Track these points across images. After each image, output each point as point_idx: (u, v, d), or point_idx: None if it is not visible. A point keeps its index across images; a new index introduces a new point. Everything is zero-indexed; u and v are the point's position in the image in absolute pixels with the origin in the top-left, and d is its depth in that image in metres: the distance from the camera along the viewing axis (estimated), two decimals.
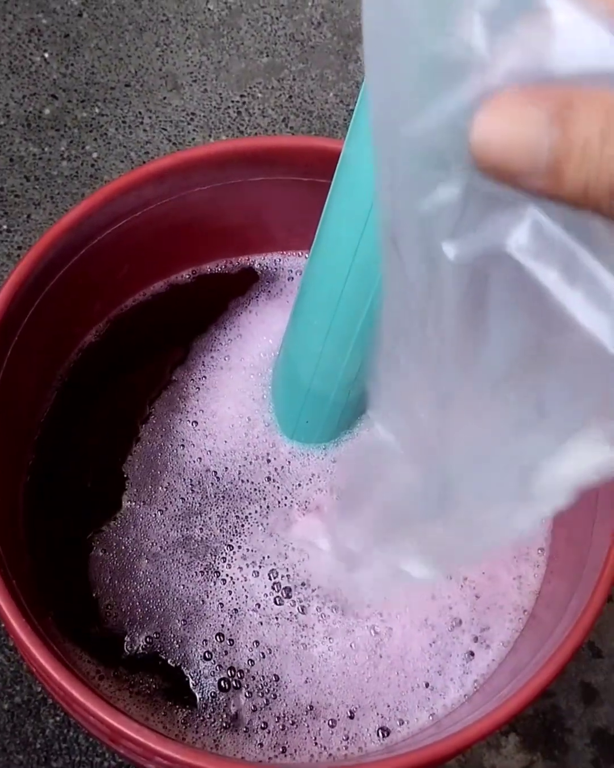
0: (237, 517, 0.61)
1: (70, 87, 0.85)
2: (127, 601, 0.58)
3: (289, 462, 0.63)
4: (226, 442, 0.63)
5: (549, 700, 0.72)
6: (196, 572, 0.59)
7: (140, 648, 0.57)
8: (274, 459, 0.63)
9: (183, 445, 0.63)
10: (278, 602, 0.59)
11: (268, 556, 0.60)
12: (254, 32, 0.89)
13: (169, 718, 0.55)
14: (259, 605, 0.58)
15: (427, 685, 0.58)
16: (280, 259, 0.68)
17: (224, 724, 0.55)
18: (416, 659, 0.58)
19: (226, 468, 0.62)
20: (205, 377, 0.65)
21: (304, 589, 0.59)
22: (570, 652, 0.49)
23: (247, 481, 0.62)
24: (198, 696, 0.56)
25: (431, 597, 0.60)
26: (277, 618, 0.58)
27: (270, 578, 0.59)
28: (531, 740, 0.71)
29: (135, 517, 0.60)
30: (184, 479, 0.62)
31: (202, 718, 0.56)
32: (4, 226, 0.80)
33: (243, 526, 0.61)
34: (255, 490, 0.62)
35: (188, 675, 0.57)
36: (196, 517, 0.61)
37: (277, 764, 0.54)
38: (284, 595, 0.59)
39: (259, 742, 0.55)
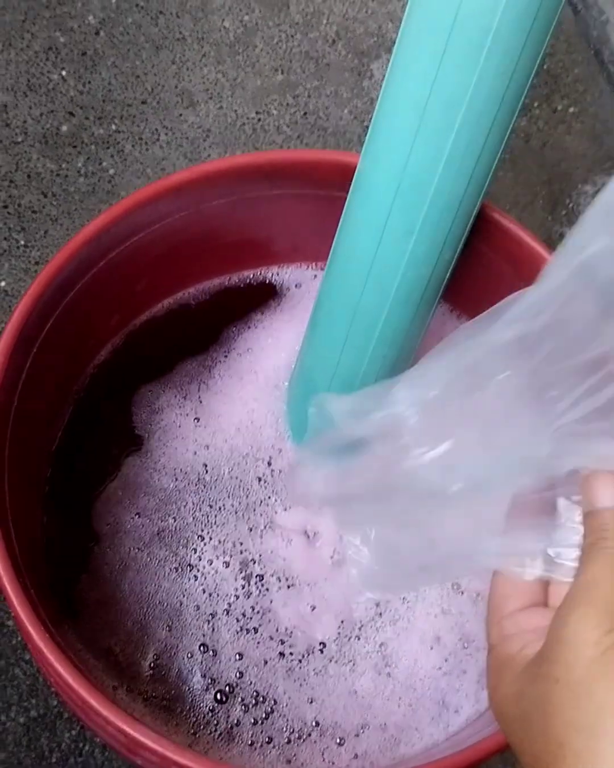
0: (210, 507, 0.62)
1: (87, 104, 0.86)
2: (121, 613, 0.59)
3: (293, 467, 0.63)
4: (226, 441, 0.64)
5: None
6: (170, 569, 0.60)
7: (146, 661, 0.57)
8: (276, 462, 0.63)
9: (180, 439, 0.63)
10: (247, 596, 0.59)
11: (241, 542, 0.61)
12: (269, 50, 0.90)
13: (182, 728, 0.55)
14: (229, 606, 0.59)
15: (441, 702, 0.58)
16: (295, 273, 0.69)
17: (229, 736, 0.55)
18: (428, 677, 0.58)
19: (218, 463, 0.63)
20: (216, 386, 0.65)
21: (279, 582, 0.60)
22: None
23: (235, 477, 0.63)
24: (199, 707, 0.56)
25: (441, 612, 0.60)
26: (253, 624, 0.58)
27: (241, 570, 0.60)
28: None
29: (115, 531, 0.61)
30: (169, 469, 0.63)
31: (208, 729, 0.56)
32: (22, 242, 0.81)
33: (216, 516, 0.61)
34: (239, 486, 0.62)
35: (186, 688, 0.57)
36: (172, 506, 0.62)
37: None
38: (257, 587, 0.59)
39: (265, 754, 0.55)
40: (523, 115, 0.90)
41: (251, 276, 0.69)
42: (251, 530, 0.61)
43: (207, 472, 0.63)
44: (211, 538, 0.61)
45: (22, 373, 0.55)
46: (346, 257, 0.55)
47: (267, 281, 0.69)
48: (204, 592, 0.59)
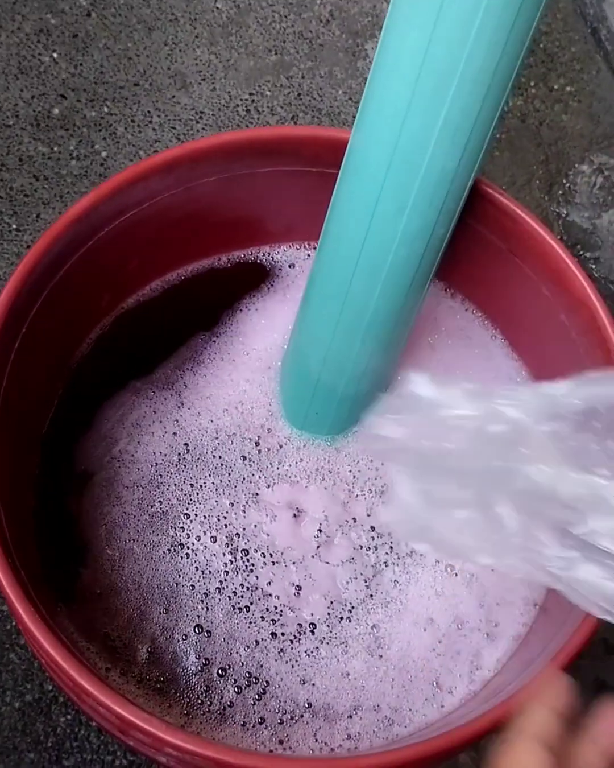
0: (191, 485, 0.61)
1: (78, 86, 0.85)
2: (120, 597, 0.58)
3: (281, 446, 0.63)
4: (211, 421, 0.63)
5: None
6: (164, 551, 0.59)
7: (143, 645, 0.57)
8: (264, 442, 0.63)
9: (158, 423, 0.63)
10: (236, 572, 0.59)
11: (224, 517, 0.60)
12: (263, 30, 0.89)
13: (175, 709, 0.55)
14: (221, 583, 0.58)
15: (434, 683, 0.57)
16: (288, 252, 0.68)
17: (222, 717, 0.55)
18: (421, 659, 0.58)
19: (202, 442, 0.63)
20: (204, 368, 0.65)
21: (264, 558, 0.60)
22: (580, 644, 0.48)
23: (218, 456, 0.62)
24: (193, 689, 0.56)
25: (434, 594, 0.59)
26: (245, 602, 0.58)
27: (227, 544, 0.60)
28: None
29: (107, 519, 0.60)
30: (153, 452, 0.62)
31: (201, 710, 0.55)
32: (14, 226, 0.80)
33: (198, 494, 0.61)
34: (221, 464, 0.62)
35: (179, 669, 0.56)
36: (156, 490, 0.61)
37: (283, 755, 0.54)
38: (245, 565, 0.59)
39: (257, 734, 0.55)
40: (520, 94, 0.89)
41: (243, 255, 0.68)
42: (232, 505, 0.61)
43: (188, 451, 0.62)
44: (196, 515, 0.61)
45: (10, 354, 0.55)
46: (338, 235, 0.55)
47: (259, 261, 0.68)
48: (197, 569, 0.59)
